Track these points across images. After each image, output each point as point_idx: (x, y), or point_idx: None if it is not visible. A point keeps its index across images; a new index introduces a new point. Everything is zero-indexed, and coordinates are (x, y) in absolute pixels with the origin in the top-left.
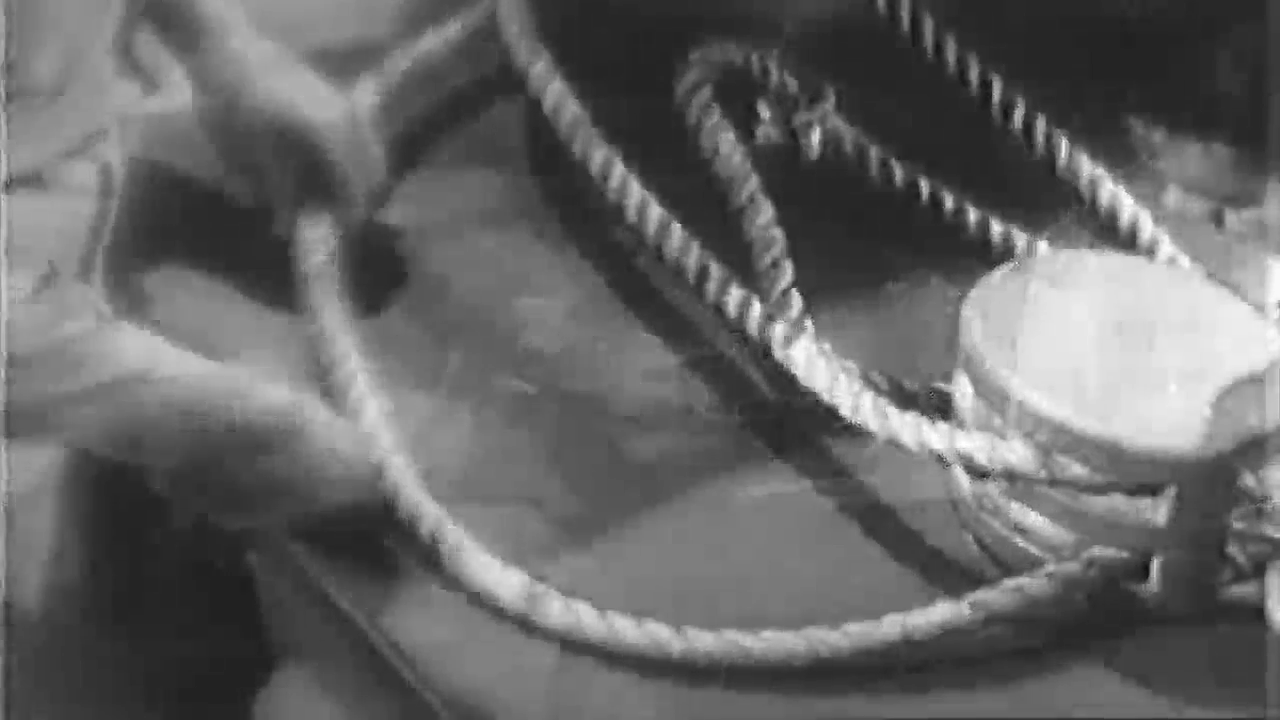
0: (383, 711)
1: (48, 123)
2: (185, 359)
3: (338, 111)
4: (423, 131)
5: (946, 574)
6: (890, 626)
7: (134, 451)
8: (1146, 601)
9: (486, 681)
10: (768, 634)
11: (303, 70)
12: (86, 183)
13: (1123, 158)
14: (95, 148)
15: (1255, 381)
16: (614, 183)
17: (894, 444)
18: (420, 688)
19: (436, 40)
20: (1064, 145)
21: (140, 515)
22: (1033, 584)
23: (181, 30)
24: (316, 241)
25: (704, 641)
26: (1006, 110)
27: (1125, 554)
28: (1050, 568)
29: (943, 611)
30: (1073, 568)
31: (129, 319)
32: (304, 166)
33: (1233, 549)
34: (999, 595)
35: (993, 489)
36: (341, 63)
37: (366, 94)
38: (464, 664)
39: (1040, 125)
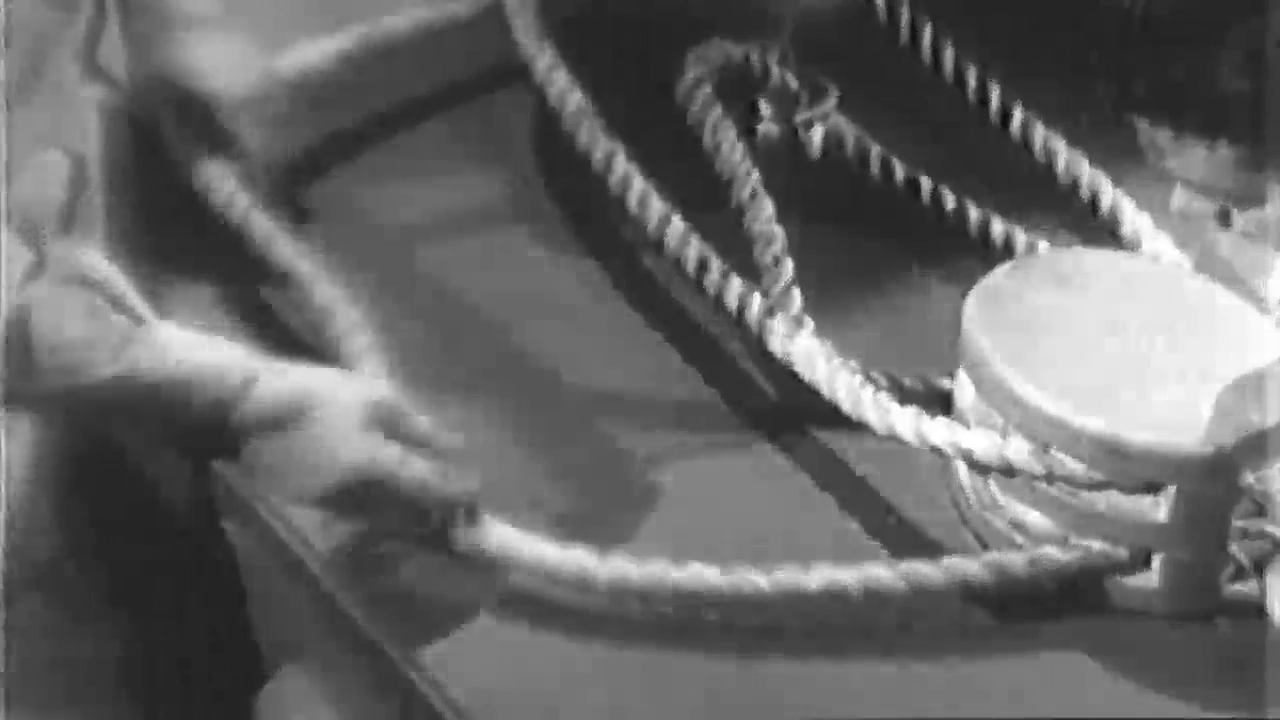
0: (383, 711)
1: (10, 124)
2: (173, 346)
3: (245, 79)
4: (402, 113)
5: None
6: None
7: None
8: (1143, 598)
9: (487, 681)
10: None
11: (229, 32)
12: (59, 174)
13: (1128, 159)
14: (67, 139)
15: (1257, 379)
16: (616, 175)
17: (894, 439)
18: (420, 688)
19: (431, 18)
20: (1062, 149)
21: (127, 501)
22: (1012, 561)
23: None
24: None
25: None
26: (1005, 115)
27: (1119, 550)
28: (1036, 551)
29: (915, 570)
30: (1056, 554)
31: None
32: (200, 126)
33: (1234, 547)
34: (974, 565)
35: (994, 486)
36: None
37: (300, 59)
38: (464, 664)
39: (1038, 130)
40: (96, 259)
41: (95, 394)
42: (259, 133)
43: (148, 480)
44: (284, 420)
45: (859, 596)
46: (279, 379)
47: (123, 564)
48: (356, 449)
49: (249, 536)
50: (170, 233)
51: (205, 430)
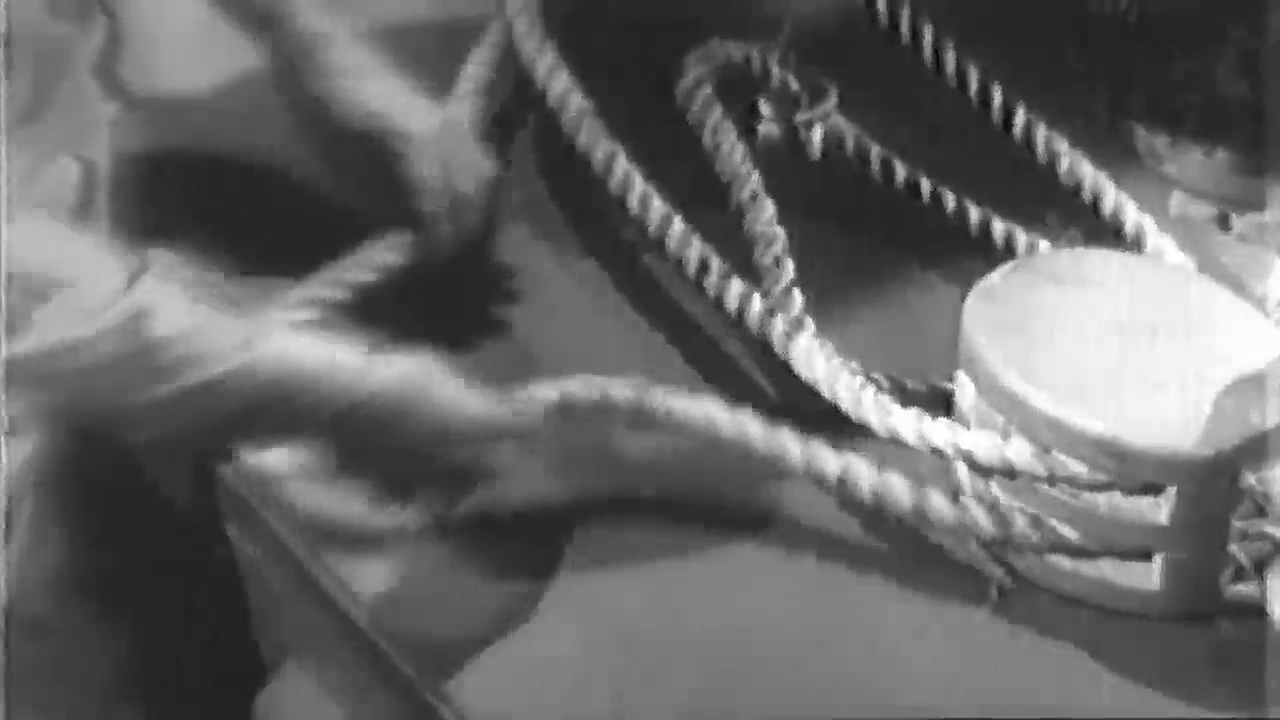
0: (383, 711)
1: (22, 139)
2: (299, 344)
3: (429, 122)
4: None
5: (948, 572)
6: None
7: (239, 440)
8: (1144, 599)
9: (487, 681)
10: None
11: (396, 80)
12: (68, 179)
13: (1126, 164)
14: (79, 148)
15: (1257, 380)
16: (617, 176)
17: (895, 440)
18: (420, 688)
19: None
20: (1065, 151)
21: (125, 505)
22: (1017, 518)
23: (277, 45)
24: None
25: None
26: (1007, 117)
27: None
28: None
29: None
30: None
31: None
32: (389, 177)
33: (1234, 548)
34: (984, 515)
35: (994, 486)
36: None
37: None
38: (464, 664)
39: (1040, 132)
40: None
41: (220, 386)
42: (441, 167)
43: (150, 483)
44: (410, 397)
45: (869, 496)
46: (386, 367)
47: (126, 566)
48: (479, 406)
49: (251, 539)
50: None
51: (329, 416)
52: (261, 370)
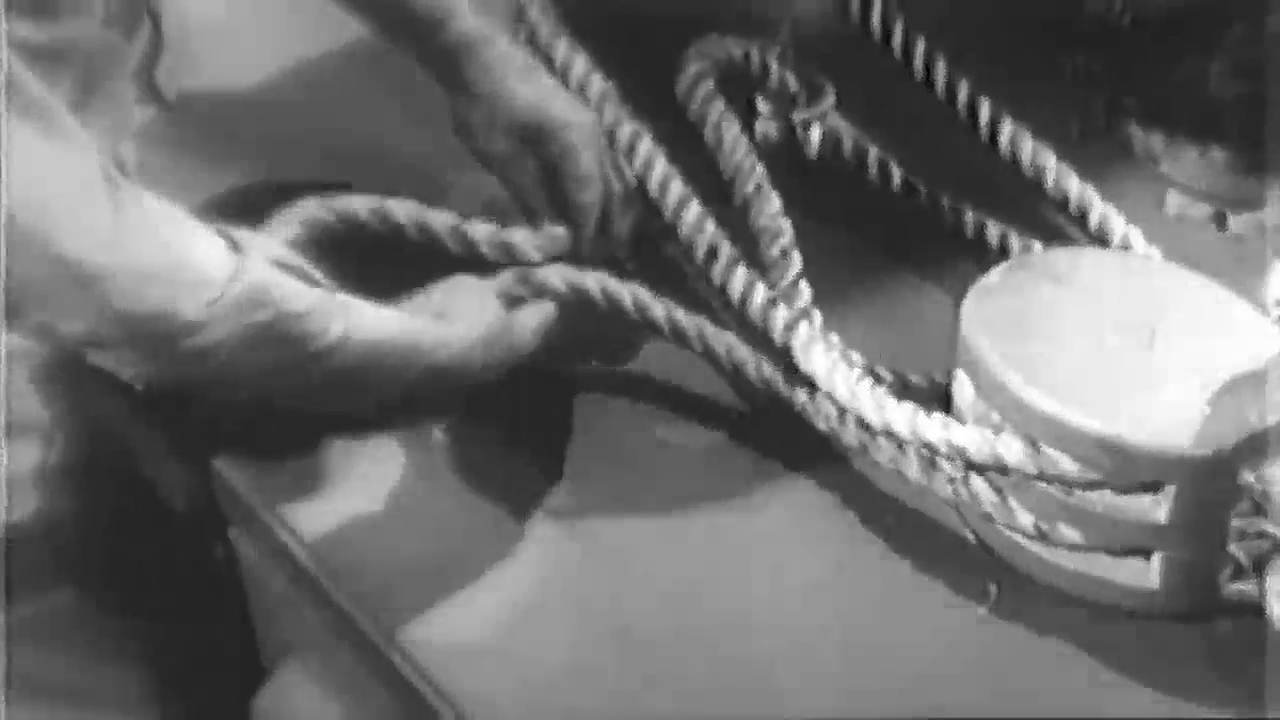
0: (383, 711)
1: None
2: (380, 317)
3: (586, 115)
4: None
5: (947, 570)
6: None
7: (323, 405)
8: (1143, 598)
9: (487, 682)
10: None
11: (551, 78)
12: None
13: (1123, 164)
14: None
15: (1255, 379)
16: (641, 156)
17: (889, 434)
18: (420, 688)
19: None
20: (1051, 165)
21: (131, 503)
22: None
23: (440, 48)
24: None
25: None
26: (993, 131)
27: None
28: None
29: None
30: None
31: None
32: (549, 165)
33: (1233, 547)
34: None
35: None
36: None
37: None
38: (464, 664)
39: (1027, 145)
40: (283, 247)
41: (324, 357)
42: (600, 163)
43: (148, 482)
44: (489, 358)
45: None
46: (453, 329)
47: (127, 564)
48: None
49: (251, 538)
50: None
51: (406, 383)
52: (355, 343)
